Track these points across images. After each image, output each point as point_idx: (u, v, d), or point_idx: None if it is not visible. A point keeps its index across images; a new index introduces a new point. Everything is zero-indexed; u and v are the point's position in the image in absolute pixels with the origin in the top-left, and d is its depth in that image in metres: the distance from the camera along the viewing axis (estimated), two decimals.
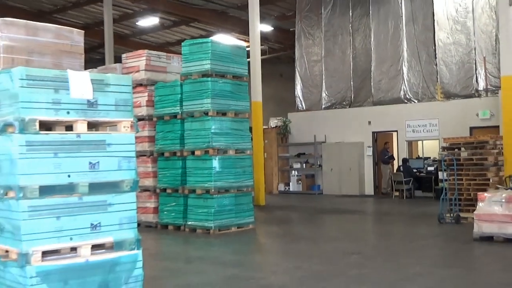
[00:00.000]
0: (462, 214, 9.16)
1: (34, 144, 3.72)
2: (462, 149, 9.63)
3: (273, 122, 17.55)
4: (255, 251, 8.34)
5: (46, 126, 3.90)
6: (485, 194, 7.48)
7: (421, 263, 6.40)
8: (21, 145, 3.67)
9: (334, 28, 16.20)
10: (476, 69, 13.55)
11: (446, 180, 9.57)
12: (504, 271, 5.79)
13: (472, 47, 13.65)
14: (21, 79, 3.69)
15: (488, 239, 7.24)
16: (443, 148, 10.35)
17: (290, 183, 17.54)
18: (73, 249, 3.94)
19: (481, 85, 13.45)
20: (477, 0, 13.37)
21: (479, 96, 13.50)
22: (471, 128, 13.33)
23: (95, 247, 4.01)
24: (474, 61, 13.60)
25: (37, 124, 3.73)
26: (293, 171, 17.74)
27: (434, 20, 14.27)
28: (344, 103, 16.31)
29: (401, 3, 14.81)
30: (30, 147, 3.70)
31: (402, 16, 14.84)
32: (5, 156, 3.77)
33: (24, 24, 4.56)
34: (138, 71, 10.16)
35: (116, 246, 4.08)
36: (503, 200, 7.05)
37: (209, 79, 9.01)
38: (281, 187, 17.70)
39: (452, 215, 9.19)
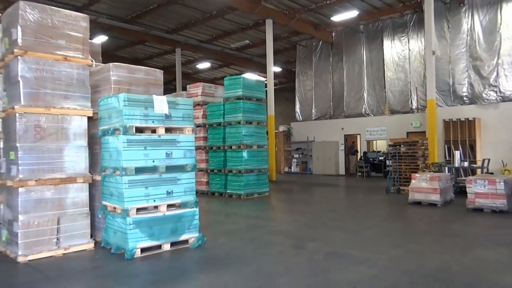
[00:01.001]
0: (401, 187, 12.04)
1: (131, 141, 5.24)
2: (402, 145, 12.97)
3: (281, 128, 23.24)
4: (269, 209, 10.24)
5: (139, 130, 5.40)
6: (417, 175, 9.91)
7: (374, 218, 8.17)
8: (124, 142, 5.18)
9: (320, 69, 22.00)
10: (411, 95, 18.31)
11: (391, 165, 12.88)
12: (428, 224, 7.53)
13: (408, 81, 18.38)
14: (124, 100, 5.22)
15: (418, 203, 9.50)
16: (389, 145, 13.70)
17: (292, 167, 23.07)
18: (155, 207, 5.48)
19: (414, 105, 18.16)
20: (411, 51, 18.28)
21: (413, 112, 18.11)
22: (407, 133, 17.77)
23: (169, 206, 5.56)
24: (409, 90, 18.35)
25: (134, 129, 5.24)
26: (294, 159, 23.12)
27: (384, 64, 19.20)
28: (326, 116, 21.68)
29: (363, 53, 20.07)
30: (129, 143, 5.22)
31: (363, 61, 20.03)
32: (115, 149, 5.35)
33: (127, 67, 6.33)
34: (197, 95, 13.30)
35: (182, 205, 5.66)
36: (428, 179, 9.47)
37: (241, 101, 11.58)
38: (286, 169, 23.28)
39: (395, 188, 12.04)
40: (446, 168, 11.92)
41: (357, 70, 20.08)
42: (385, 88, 19.05)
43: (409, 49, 18.23)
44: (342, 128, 20.39)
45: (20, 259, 5.04)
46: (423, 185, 9.51)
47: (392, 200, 10.63)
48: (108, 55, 16.98)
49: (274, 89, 18.22)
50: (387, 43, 18.99)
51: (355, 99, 20.19)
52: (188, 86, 14.16)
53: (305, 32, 19.90)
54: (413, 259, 5.00)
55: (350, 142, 20.84)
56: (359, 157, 20.26)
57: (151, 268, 4.80)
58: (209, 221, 7.64)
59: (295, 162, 23.05)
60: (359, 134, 20.22)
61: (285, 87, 28.31)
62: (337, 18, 17.58)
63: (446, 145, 15.32)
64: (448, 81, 16.40)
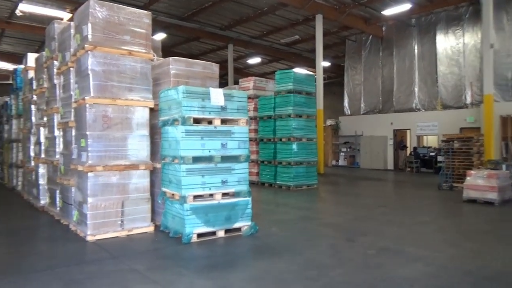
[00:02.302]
0: (454, 184, 11.29)
1: (189, 131, 5.28)
2: (455, 141, 11.95)
3: (329, 122, 22.71)
4: (318, 201, 10.01)
5: (196, 121, 5.41)
6: (472, 171, 9.26)
7: (427, 214, 7.72)
8: (182, 132, 5.23)
9: (369, 63, 21.16)
10: (464, 90, 17.15)
11: (443, 161, 12.07)
12: (485, 222, 6.99)
13: (462, 75, 17.19)
14: (183, 92, 5.27)
15: (473, 201, 8.85)
16: (443, 141, 12.60)
17: (339, 160, 22.56)
18: (211, 195, 5.48)
19: (468, 100, 17.02)
20: (466, 44, 17.09)
21: (467, 107, 17.01)
22: (461, 128, 16.62)
23: (224, 194, 5.57)
24: (463, 85, 17.20)
25: (192, 120, 5.27)
26: (341, 153, 22.56)
27: (436, 58, 18.10)
28: (375, 110, 20.83)
29: (414, 47, 18.99)
30: (187, 133, 5.26)
31: (415, 56, 18.97)
32: (174, 138, 5.41)
33: (185, 61, 6.39)
34: (249, 89, 13.31)
35: (236, 194, 5.65)
36: (485, 176, 8.83)
37: (291, 94, 11.34)
38: (334, 162, 22.78)
39: (447, 184, 11.38)
40: (504, 166, 11.02)
41: (408, 65, 19.13)
42: (437, 82, 18.01)
43: (464, 43, 17.09)
44: (391, 123, 19.54)
45: (89, 238, 5.26)
46: (479, 183, 8.85)
47: (445, 197, 10.02)
48: (166, 51, 17.40)
49: (323, 83, 17.82)
50: (440, 37, 17.90)
51: (405, 93, 19.27)
52: (240, 80, 14.20)
53: (355, 26, 19.25)
54: (473, 259, 4.64)
55: (399, 137, 19.94)
56: (408, 152, 19.34)
57: (207, 252, 4.83)
58: (260, 211, 7.58)
59: (342, 155, 22.45)
60: (409, 129, 19.36)
61: (333, 82, 27.64)
62: (388, 12, 16.76)
63: (503, 142, 14.20)
64: (507, 75, 15.15)
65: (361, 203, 9.09)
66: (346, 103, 22.29)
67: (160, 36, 18.42)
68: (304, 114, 11.51)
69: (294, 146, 11.20)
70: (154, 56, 6.28)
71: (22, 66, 9.93)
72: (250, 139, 12.72)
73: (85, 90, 5.64)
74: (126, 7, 5.99)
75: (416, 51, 18.84)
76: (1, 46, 22.30)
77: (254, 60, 25.77)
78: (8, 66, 22.74)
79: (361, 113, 21.37)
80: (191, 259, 4.59)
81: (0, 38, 20.93)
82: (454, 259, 4.64)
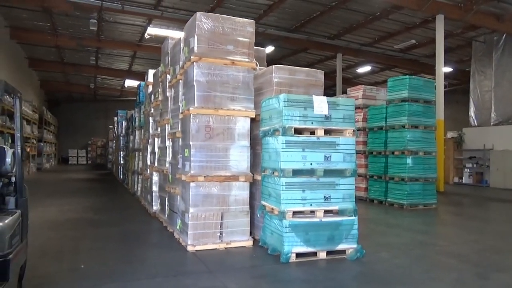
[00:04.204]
0: None
1: (290, 142, 4.93)
2: None
3: (450, 134, 20.01)
4: (438, 224, 8.67)
5: (298, 131, 5.06)
6: None
7: None
8: (282, 143, 4.91)
9: (503, 66, 17.92)
10: None
11: None
12: None
13: None
14: (284, 101, 4.96)
15: None
16: None
17: (463, 177, 19.51)
18: (312, 212, 5.06)
19: None
20: None
21: None
22: None
23: (326, 212, 5.07)
24: None
25: (293, 130, 4.92)
26: (466, 169, 19.53)
27: None
28: (510, 121, 17.56)
29: None
30: (288, 144, 4.92)
31: None
32: (274, 150, 5.13)
33: (288, 68, 6.12)
34: (357, 98, 12.30)
35: (340, 212, 5.11)
36: None
37: (406, 103, 10.17)
38: (456, 179, 19.81)
39: None
40: None
41: None
42: None
43: None
44: None
45: (189, 248, 5.26)
46: None
47: None
48: (273, 63, 17.66)
49: (444, 91, 15.89)
50: None
51: None
52: (348, 89, 13.43)
53: (484, 25, 16.84)
54: None
55: None
56: None
57: (306, 275, 4.38)
58: (368, 231, 6.82)
59: (467, 172, 19.59)
60: None
61: (456, 89, 24.72)
62: None
63: None
64: None
65: (493, 230, 7.60)
66: (472, 113, 19.51)
67: (269, 49, 18.73)
68: (421, 125, 10.25)
69: (409, 160, 10.02)
70: (257, 64, 6.14)
71: (144, 82, 10.88)
72: (358, 152, 11.73)
73: (190, 101, 5.74)
74: (231, 17, 5.98)
75: None
76: (134, 66, 25.30)
77: (364, 69, 24.65)
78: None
79: (491, 124, 18.43)
80: (288, 282, 4.20)
81: (133, 59, 23.76)
82: None
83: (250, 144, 5.96)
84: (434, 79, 15.73)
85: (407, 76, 10.44)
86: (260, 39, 17.11)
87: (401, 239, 6.54)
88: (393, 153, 10.45)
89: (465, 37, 19.17)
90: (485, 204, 12.11)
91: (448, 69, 21.83)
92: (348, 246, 5.10)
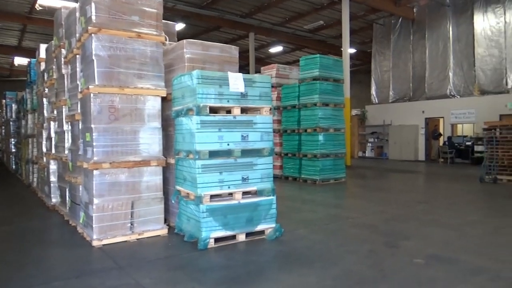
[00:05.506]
0: (498, 176, 10.37)
1: (205, 122, 4.62)
2: (499, 129, 10.73)
3: (354, 112, 21.65)
4: (348, 197, 9.24)
5: (213, 110, 4.75)
6: None
7: (475, 212, 6.87)
8: (197, 123, 4.58)
9: (399, 48, 19.88)
10: (506, 73, 15.78)
11: (485, 151, 10.95)
12: None
13: (503, 58, 15.90)
14: (197, 78, 4.60)
15: None
16: (484, 129, 11.36)
17: (366, 151, 21.68)
18: (230, 194, 4.87)
19: (510, 84, 15.71)
20: (508, 23, 15.69)
21: (508, 92, 15.65)
22: (501, 115, 15.36)
23: (245, 193, 4.92)
24: (504, 68, 15.86)
25: (208, 109, 4.61)
26: (368, 143, 21.58)
27: (474, 40, 16.80)
28: (405, 98, 19.66)
29: (449, 29, 17.66)
30: (203, 124, 4.61)
31: (449, 38, 17.64)
32: (188, 130, 4.77)
33: (201, 43, 5.71)
34: (271, 77, 12.24)
35: (258, 193, 4.98)
36: None
37: (317, 82, 10.51)
38: (360, 154, 21.96)
39: (490, 177, 10.45)
40: None
41: (442, 48, 17.91)
42: (474, 66, 16.78)
43: (505, 21, 15.73)
44: (423, 111, 18.47)
45: (95, 243, 4.72)
46: None
47: (490, 191, 9.06)
48: None
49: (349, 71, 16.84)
50: (478, 16, 16.54)
51: (438, 79, 18.09)
52: (262, 68, 13.46)
53: (383, 9, 18.10)
54: None
55: (432, 126, 18.77)
56: (442, 141, 18.17)
57: (226, 261, 4.19)
58: (285, 209, 6.86)
59: (370, 146, 21.61)
60: (442, 117, 18.21)
61: (359, 69, 26.45)
62: None
63: None
64: None
65: (397, 199, 8.23)
66: (373, 91, 21.31)
67: (180, 26, 17.87)
68: (331, 103, 10.68)
69: (321, 137, 10.39)
70: (166, 38, 5.64)
71: (35, 59, 9.54)
72: (273, 131, 11.93)
73: (90, 78, 5.07)
74: None
75: (451, 33, 17.63)
76: (24, 42, 22.34)
77: (276, 49, 25.06)
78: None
79: (390, 101, 20.36)
80: (207, 270, 3.96)
81: (23, 34, 20.94)
82: None
83: (162, 125, 5.52)
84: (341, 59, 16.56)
85: (318, 55, 10.74)
86: (170, 15, 16.20)
87: (317, 214, 6.72)
88: (306, 130, 10.76)
89: (367, 20, 20.47)
90: (387, 175, 13.26)
91: (352, 50, 23.26)
92: (267, 226, 5.03)
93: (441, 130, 18.62)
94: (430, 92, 18.44)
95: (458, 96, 17.42)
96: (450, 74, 17.61)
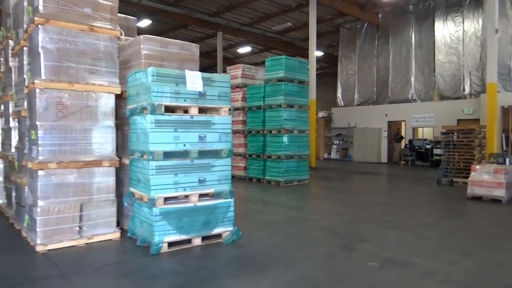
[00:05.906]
0: (454, 179, 10.73)
1: (160, 122, 4.41)
2: (455, 133, 11.29)
3: (321, 114, 22.08)
4: (310, 199, 9.27)
5: (169, 109, 4.56)
6: (477, 166, 8.48)
7: (431, 214, 7.03)
8: (152, 122, 4.37)
9: (364, 52, 20.35)
10: (463, 80, 16.53)
11: (442, 154, 11.32)
12: (497, 224, 6.24)
13: (461, 64, 16.61)
14: (152, 75, 4.39)
15: (478, 198, 8.22)
16: (442, 133, 11.83)
17: (332, 153, 21.99)
18: (186, 196, 4.67)
19: (467, 90, 16.40)
20: (466, 32, 16.39)
21: (465, 98, 16.36)
22: (458, 120, 16.06)
23: (201, 196, 4.74)
24: (462, 74, 16.59)
25: (163, 108, 4.41)
26: (334, 145, 21.95)
27: (434, 46, 17.40)
28: (369, 101, 20.11)
29: (411, 35, 18.27)
30: (158, 124, 4.40)
31: (412, 44, 18.27)
32: (142, 130, 4.55)
33: (159, 40, 5.47)
34: (237, 77, 12.29)
35: (216, 195, 4.82)
36: (491, 171, 8.14)
37: (282, 83, 10.51)
38: (326, 155, 22.19)
39: (447, 179, 10.76)
40: (508, 160, 10.32)
41: (404, 53, 18.48)
42: (434, 72, 17.42)
43: (464, 30, 16.40)
44: (386, 114, 18.99)
45: (39, 248, 4.41)
46: (485, 178, 8.19)
47: (446, 193, 9.33)
48: None
49: (316, 74, 17.00)
50: (439, 24, 17.21)
51: (401, 83, 18.66)
52: (228, 67, 13.29)
53: (350, 13, 18.42)
54: (497, 274, 3.89)
55: (394, 129, 19.34)
56: (403, 145, 18.71)
57: (178, 267, 4.01)
58: (246, 210, 6.74)
59: (335, 148, 21.96)
60: (404, 121, 18.77)
61: (326, 72, 26.86)
62: None
63: (503, 134, 13.57)
64: (509, 64, 14.47)
65: (357, 201, 8.30)
66: (339, 94, 21.69)
67: (145, 22, 17.43)
68: (296, 104, 10.71)
69: (285, 139, 10.39)
70: (121, 33, 5.38)
71: None
72: (238, 131, 11.86)
73: (36, 72, 4.74)
74: None
75: (413, 39, 18.22)
76: None
77: (244, 49, 24.99)
78: None
79: (355, 104, 20.80)
80: (156, 277, 3.77)
81: None
82: (473, 273, 3.88)
83: (118, 124, 5.30)
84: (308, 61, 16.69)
85: (284, 57, 10.73)
86: (136, 11, 15.75)
87: (277, 216, 6.64)
88: (270, 132, 10.74)
89: (334, 24, 20.76)
90: (350, 177, 13.43)
91: (320, 53, 23.60)
92: (224, 229, 4.89)
93: (402, 133, 19.16)
94: (393, 96, 18.95)
95: (419, 101, 18.00)
96: (412, 79, 18.17)
